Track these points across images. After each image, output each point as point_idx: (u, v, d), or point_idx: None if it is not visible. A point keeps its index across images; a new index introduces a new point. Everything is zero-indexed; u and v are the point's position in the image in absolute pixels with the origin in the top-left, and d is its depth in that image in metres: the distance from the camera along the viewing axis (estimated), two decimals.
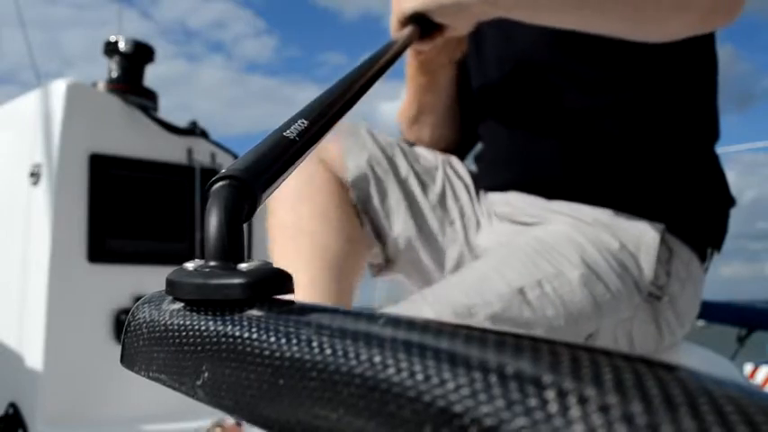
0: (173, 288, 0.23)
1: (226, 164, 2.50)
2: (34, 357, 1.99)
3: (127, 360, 0.23)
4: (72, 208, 2.05)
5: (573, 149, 0.85)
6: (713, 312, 3.30)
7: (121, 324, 2.09)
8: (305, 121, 0.33)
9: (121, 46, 2.31)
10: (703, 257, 0.88)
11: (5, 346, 2.09)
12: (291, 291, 0.22)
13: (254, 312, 0.21)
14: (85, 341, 2.03)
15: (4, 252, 2.19)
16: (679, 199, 0.85)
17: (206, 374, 0.20)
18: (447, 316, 0.71)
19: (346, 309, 0.20)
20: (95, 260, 2.09)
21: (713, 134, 0.89)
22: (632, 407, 0.14)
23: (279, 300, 0.21)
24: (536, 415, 0.14)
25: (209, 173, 2.39)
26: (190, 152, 2.35)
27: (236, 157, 2.51)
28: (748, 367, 4.39)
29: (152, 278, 2.13)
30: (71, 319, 2.01)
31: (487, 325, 0.70)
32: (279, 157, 0.28)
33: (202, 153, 2.39)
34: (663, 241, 0.81)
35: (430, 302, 0.73)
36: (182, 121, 2.40)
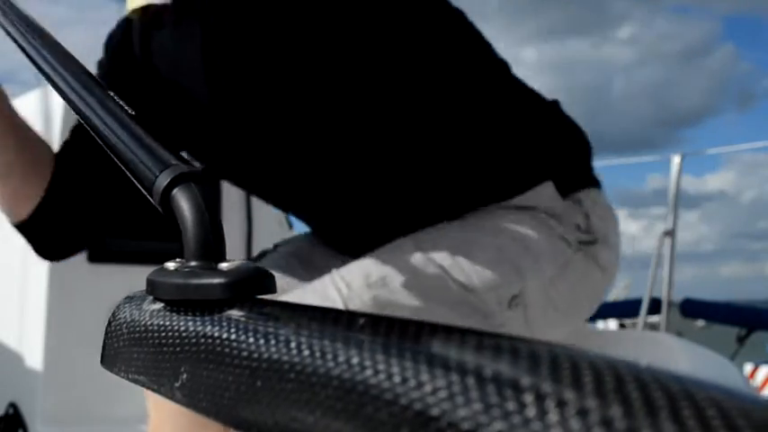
0: (153, 288, 0.22)
1: None
2: (34, 357, 1.99)
3: (107, 361, 0.23)
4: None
5: (423, 163, 0.76)
6: (713, 312, 3.29)
7: None
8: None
9: None
10: (591, 183, 0.84)
11: (5, 346, 2.09)
12: (273, 290, 0.21)
13: (234, 312, 0.20)
14: (85, 341, 2.03)
15: (5, 252, 2.19)
16: (530, 152, 0.79)
17: (185, 376, 0.20)
18: (359, 288, 0.68)
19: (328, 308, 0.20)
20: (95, 260, 2.09)
21: (496, 73, 0.80)
22: (611, 411, 0.13)
23: (260, 299, 0.21)
24: (513, 419, 0.14)
25: (210, 173, 2.39)
26: None
27: None
28: (748, 367, 4.38)
29: None
30: (71, 319, 2.01)
31: (400, 294, 0.68)
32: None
33: None
34: (559, 192, 0.77)
35: (342, 275, 0.69)
36: None
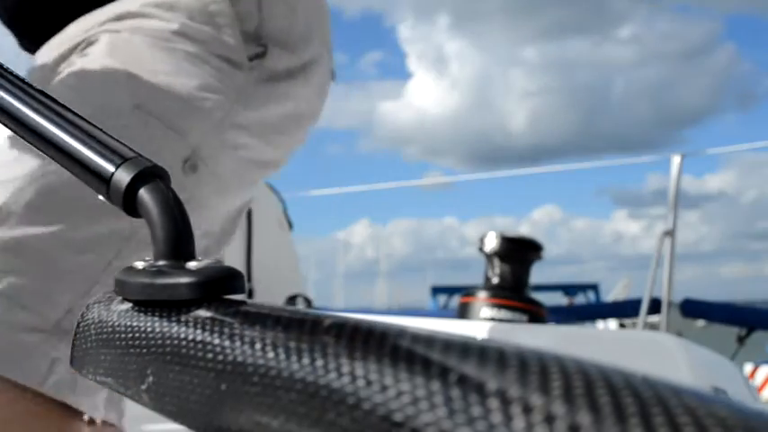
0: (121, 288, 0.22)
1: None
2: None
3: (76, 362, 0.22)
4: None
5: None
6: (713, 312, 3.29)
7: None
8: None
9: None
10: None
11: None
12: (243, 290, 0.21)
13: (201, 313, 0.20)
14: None
15: None
16: None
17: (151, 378, 0.19)
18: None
19: (296, 309, 0.19)
20: None
21: None
22: (579, 417, 0.13)
23: (229, 300, 0.20)
24: (478, 426, 0.13)
25: None
26: None
27: None
28: (748, 367, 4.37)
29: None
30: None
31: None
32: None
33: None
34: None
35: None
36: None
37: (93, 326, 0.22)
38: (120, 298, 0.22)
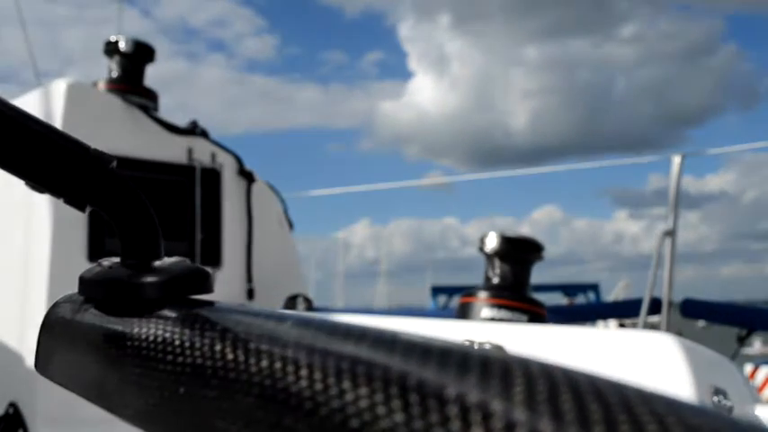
0: (85, 287, 0.21)
1: (226, 164, 2.50)
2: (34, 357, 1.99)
3: (40, 365, 0.22)
4: (72, 208, 2.05)
5: None
6: (713, 312, 3.27)
7: None
8: None
9: (122, 46, 2.31)
10: None
11: (5, 346, 2.09)
12: (209, 290, 0.20)
13: (164, 313, 0.19)
14: None
15: (5, 252, 2.19)
16: None
17: (112, 381, 0.19)
18: None
19: (261, 310, 0.18)
20: (96, 260, 2.09)
21: None
22: (541, 425, 0.12)
23: (193, 300, 0.20)
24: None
25: (210, 173, 2.39)
26: (190, 152, 2.34)
27: (236, 157, 2.51)
28: (748, 367, 4.35)
29: None
30: None
31: None
32: None
33: (202, 153, 2.38)
34: None
35: None
36: (182, 121, 2.39)
37: (57, 326, 0.21)
38: (84, 297, 0.21)
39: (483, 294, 1.80)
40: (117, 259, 0.21)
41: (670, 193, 2.53)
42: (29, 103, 2.16)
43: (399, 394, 0.13)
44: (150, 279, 0.20)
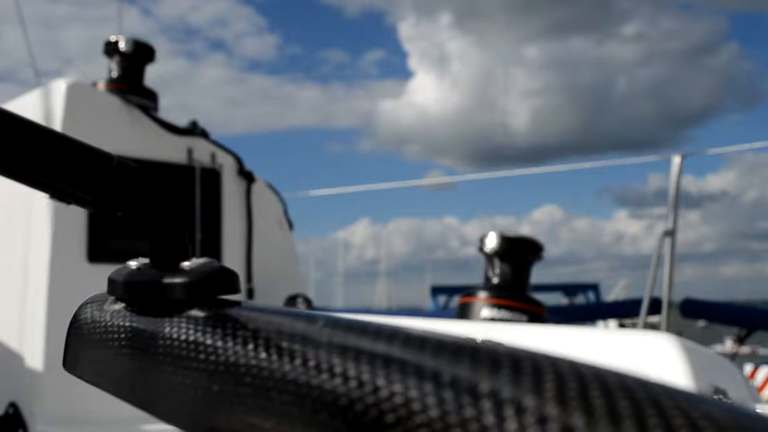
0: (113, 288, 0.22)
1: (226, 164, 2.50)
2: (34, 357, 1.99)
3: (69, 363, 0.22)
4: (72, 208, 2.05)
5: None
6: (713, 312, 3.28)
7: None
8: None
9: (122, 46, 2.31)
10: None
11: (5, 346, 2.09)
12: (237, 290, 0.20)
13: (194, 313, 0.19)
14: None
15: (5, 252, 2.19)
16: None
17: (143, 379, 0.19)
18: None
19: (290, 310, 0.19)
20: (95, 260, 2.09)
21: None
22: (573, 419, 0.12)
23: (222, 300, 0.20)
24: (471, 427, 0.13)
25: (209, 173, 2.39)
26: (190, 152, 2.34)
27: (236, 157, 2.51)
28: (748, 367, 4.36)
29: None
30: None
31: None
32: None
33: (202, 153, 2.38)
34: None
35: None
36: (182, 121, 2.39)
37: (85, 326, 0.22)
38: (113, 298, 0.22)
39: (483, 294, 1.80)
40: (145, 260, 0.22)
41: (670, 193, 2.54)
42: (29, 102, 2.16)
43: (434, 390, 0.14)
44: (179, 280, 0.20)
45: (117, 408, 2.03)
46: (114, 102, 2.21)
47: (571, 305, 8.03)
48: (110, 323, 0.21)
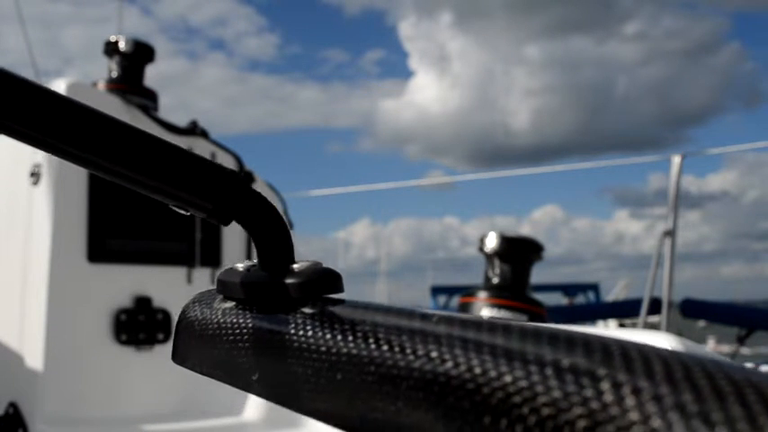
0: (225, 288, 0.24)
1: (226, 164, 2.50)
2: (34, 357, 1.99)
3: (179, 356, 0.24)
4: (72, 208, 2.05)
5: None
6: (713, 312, 3.31)
7: (121, 324, 2.09)
8: None
9: (122, 46, 2.31)
10: None
11: (5, 346, 2.08)
12: (341, 290, 0.22)
13: (307, 310, 0.21)
14: (85, 341, 2.03)
15: (5, 252, 2.18)
16: None
17: (262, 370, 0.21)
18: None
19: (394, 307, 0.21)
20: (95, 260, 2.09)
21: None
22: (683, 396, 0.15)
23: (329, 298, 0.22)
24: (593, 404, 0.15)
25: None
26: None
27: (236, 156, 2.52)
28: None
29: (152, 278, 2.13)
30: (71, 319, 2.01)
31: None
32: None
33: (202, 152, 2.39)
34: None
35: None
36: (182, 121, 2.40)
37: (196, 323, 0.24)
38: (222, 297, 0.24)
39: (483, 294, 1.82)
40: (250, 263, 0.24)
41: (670, 193, 2.56)
42: None
43: (555, 374, 0.16)
44: (292, 280, 0.22)
45: (117, 408, 2.04)
46: (114, 102, 2.21)
47: (571, 305, 8.06)
48: (222, 320, 0.23)
